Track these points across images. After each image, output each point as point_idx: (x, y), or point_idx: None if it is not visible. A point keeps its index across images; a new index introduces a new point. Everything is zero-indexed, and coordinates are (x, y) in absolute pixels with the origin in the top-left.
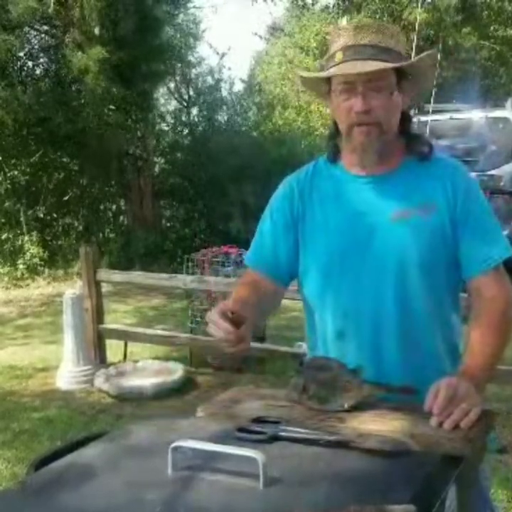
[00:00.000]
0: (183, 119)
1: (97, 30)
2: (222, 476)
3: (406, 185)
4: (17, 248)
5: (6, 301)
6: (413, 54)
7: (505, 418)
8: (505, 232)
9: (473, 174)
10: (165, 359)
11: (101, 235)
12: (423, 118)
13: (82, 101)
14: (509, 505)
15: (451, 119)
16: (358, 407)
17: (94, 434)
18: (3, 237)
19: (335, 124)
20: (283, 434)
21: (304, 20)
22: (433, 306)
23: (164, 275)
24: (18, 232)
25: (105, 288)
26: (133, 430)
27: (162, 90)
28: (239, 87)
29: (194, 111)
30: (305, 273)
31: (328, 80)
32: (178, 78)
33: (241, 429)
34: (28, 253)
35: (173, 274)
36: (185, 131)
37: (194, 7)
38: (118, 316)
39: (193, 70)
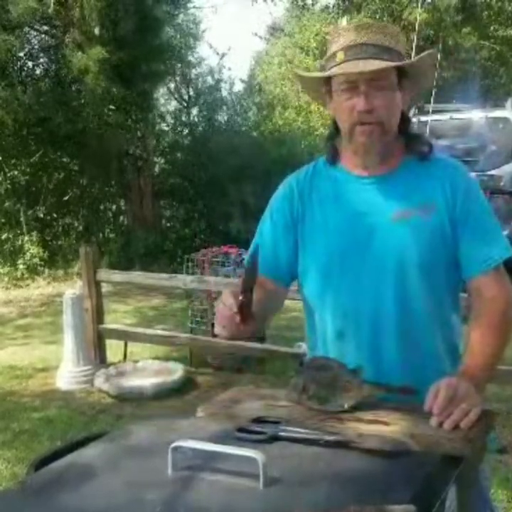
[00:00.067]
0: (183, 119)
1: (97, 30)
2: (222, 476)
3: (406, 185)
4: (17, 248)
5: (6, 301)
6: (413, 54)
7: (505, 418)
8: (505, 232)
9: (473, 174)
10: (165, 359)
11: (101, 235)
12: (423, 118)
13: (82, 101)
14: (509, 505)
15: (451, 119)
16: (358, 407)
17: (94, 434)
18: (3, 237)
19: (334, 124)
20: (283, 434)
21: (304, 20)
22: (433, 306)
23: (164, 275)
24: (18, 232)
25: (105, 288)
26: (133, 430)
27: (162, 90)
28: (239, 87)
29: (194, 111)
30: (305, 273)
31: (327, 80)
32: (178, 78)
33: (241, 429)
34: (28, 253)
35: (173, 274)
36: (185, 131)
37: (194, 7)
38: (118, 316)
39: (193, 70)
